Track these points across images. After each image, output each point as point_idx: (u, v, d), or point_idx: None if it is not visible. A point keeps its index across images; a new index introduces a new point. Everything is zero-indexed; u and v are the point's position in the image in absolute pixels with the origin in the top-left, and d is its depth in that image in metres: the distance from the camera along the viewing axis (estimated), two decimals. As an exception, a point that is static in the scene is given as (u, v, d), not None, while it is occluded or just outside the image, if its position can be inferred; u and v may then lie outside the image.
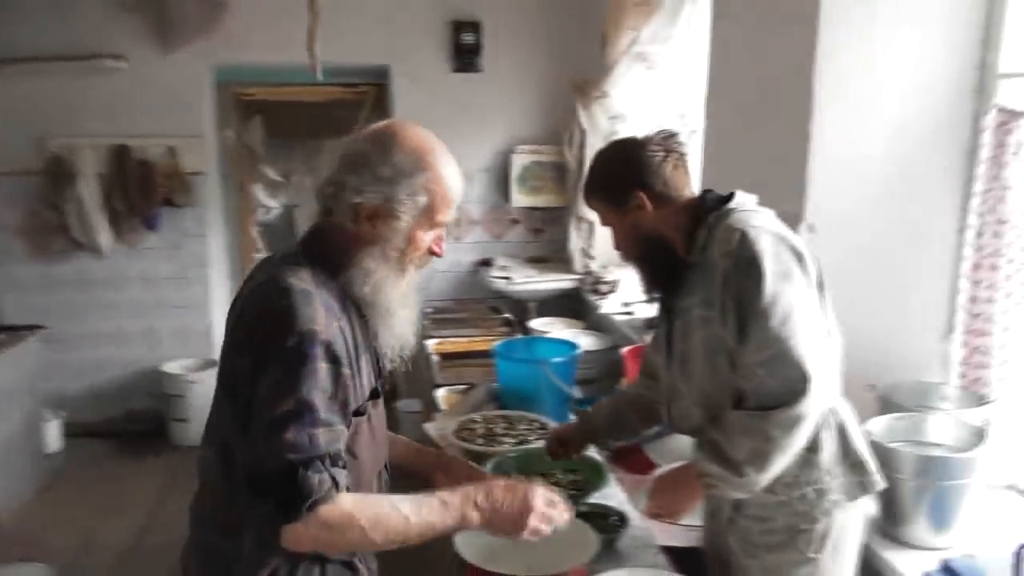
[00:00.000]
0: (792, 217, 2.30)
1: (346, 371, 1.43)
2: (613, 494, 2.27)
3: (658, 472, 1.94)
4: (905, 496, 1.94)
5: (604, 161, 1.87)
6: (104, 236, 4.88)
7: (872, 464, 1.78)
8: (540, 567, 1.75)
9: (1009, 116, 2.10)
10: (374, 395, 1.58)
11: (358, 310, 1.53)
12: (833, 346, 1.71)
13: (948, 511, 1.95)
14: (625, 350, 3.47)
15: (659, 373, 1.97)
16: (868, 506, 1.85)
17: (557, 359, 2.79)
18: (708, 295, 1.68)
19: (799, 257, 1.64)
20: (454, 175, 1.53)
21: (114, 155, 4.86)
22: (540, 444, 2.45)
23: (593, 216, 5.03)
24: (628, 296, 4.41)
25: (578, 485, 2.24)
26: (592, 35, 4.71)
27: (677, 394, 1.83)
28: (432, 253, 1.58)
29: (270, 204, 7.13)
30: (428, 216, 1.51)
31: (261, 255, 6.91)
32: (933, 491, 1.93)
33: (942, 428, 2.10)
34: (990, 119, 2.17)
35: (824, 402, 1.64)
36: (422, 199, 1.48)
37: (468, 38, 5.15)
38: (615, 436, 2.25)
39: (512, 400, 2.81)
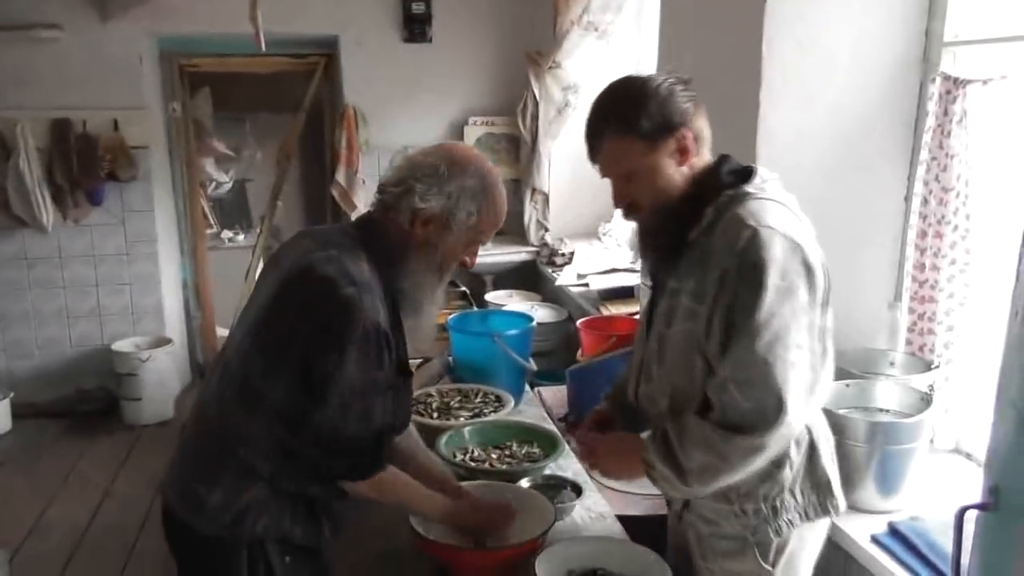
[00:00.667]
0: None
1: (393, 355, 1.65)
2: (568, 465, 2.28)
3: (613, 435, 1.80)
4: (853, 461, 1.98)
5: (636, 88, 1.57)
6: (46, 212, 4.74)
7: (837, 486, 1.67)
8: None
9: (953, 84, 2.12)
10: (403, 371, 1.77)
11: (394, 299, 1.69)
12: (826, 369, 1.53)
13: (895, 475, 1.99)
14: (580, 322, 3.47)
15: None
16: (826, 526, 1.72)
17: (511, 332, 2.78)
18: (701, 288, 1.52)
19: (809, 271, 1.47)
20: (504, 205, 1.76)
21: (54, 128, 4.71)
22: (495, 417, 2.46)
23: (551, 186, 5.15)
24: (583, 268, 4.41)
25: (533, 456, 2.25)
26: (544, 4, 4.67)
27: (648, 375, 1.69)
28: (463, 264, 1.79)
29: (221, 179, 6.99)
30: (474, 234, 1.73)
31: (213, 231, 6.82)
32: (880, 455, 1.97)
33: (889, 394, 2.14)
34: (935, 88, 2.19)
35: (792, 434, 1.52)
36: (475, 219, 1.69)
37: (419, 7, 5.08)
38: None
39: (467, 373, 2.80)
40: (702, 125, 1.58)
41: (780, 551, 1.62)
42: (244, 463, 1.64)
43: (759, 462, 1.50)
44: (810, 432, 1.63)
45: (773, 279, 1.42)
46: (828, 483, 1.65)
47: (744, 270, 1.44)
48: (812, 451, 1.63)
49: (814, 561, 1.71)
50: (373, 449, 1.66)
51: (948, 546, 1.05)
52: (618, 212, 1.70)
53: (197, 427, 1.76)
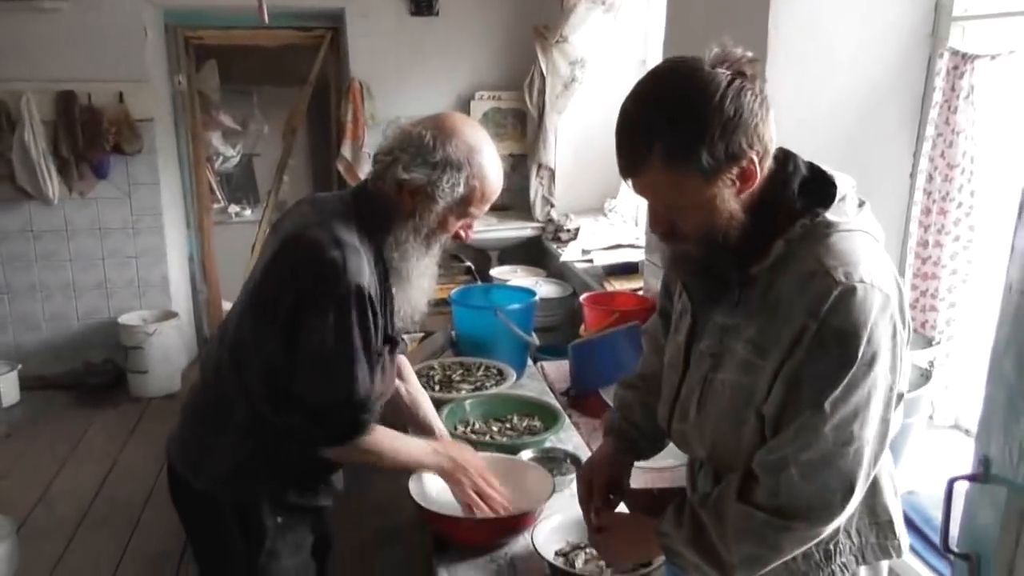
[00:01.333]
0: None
1: (379, 321, 1.64)
2: (569, 438, 2.29)
3: (625, 519, 1.58)
4: (852, 436, 1.98)
5: (697, 103, 1.16)
6: (52, 184, 4.75)
7: (900, 526, 1.42)
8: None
9: (961, 60, 2.10)
10: (391, 342, 1.76)
11: (384, 268, 1.69)
12: (895, 420, 1.28)
13: (893, 450, 1.99)
14: (583, 297, 3.48)
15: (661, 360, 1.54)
16: (884, 568, 1.46)
17: (513, 306, 2.79)
18: (765, 340, 1.24)
19: (895, 329, 1.20)
20: (496, 176, 1.70)
21: (59, 100, 4.71)
22: (496, 390, 2.47)
23: (557, 162, 5.14)
24: (588, 244, 4.41)
25: (534, 429, 2.26)
26: (551, -23, 4.64)
27: (684, 415, 1.42)
28: (458, 237, 1.76)
29: (227, 153, 6.99)
30: (463, 206, 1.68)
31: (220, 205, 6.83)
32: (879, 431, 1.97)
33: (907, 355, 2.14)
34: (943, 63, 2.17)
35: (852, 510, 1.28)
36: (460, 190, 1.65)
37: (426, -20, 5.05)
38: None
39: (469, 347, 2.81)
40: (770, 135, 1.21)
41: None
42: (238, 422, 1.68)
43: (815, 542, 1.28)
44: None
45: (862, 349, 1.16)
46: (890, 522, 1.40)
47: (828, 337, 1.16)
48: (874, 487, 1.37)
49: None
50: (352, 414, 1.66)
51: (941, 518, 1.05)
52: (625, 188, 1.53)
53: (199, 387, 1.83)
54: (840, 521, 1.24)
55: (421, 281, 1.75)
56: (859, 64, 2.32)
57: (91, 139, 4.74)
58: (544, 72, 4.78)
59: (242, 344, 1.67)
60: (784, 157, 1.28)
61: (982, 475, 0.96)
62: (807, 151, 1.25)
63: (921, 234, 2.25)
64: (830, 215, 1.23)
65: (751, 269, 1.24)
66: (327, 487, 1.85)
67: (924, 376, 2.05)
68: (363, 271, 1.58)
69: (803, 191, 1.26)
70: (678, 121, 1.16)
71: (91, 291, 5.10)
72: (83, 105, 4.73)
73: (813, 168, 1.30)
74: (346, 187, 5.34)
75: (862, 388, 1.17)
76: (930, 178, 2.21)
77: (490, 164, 1.69)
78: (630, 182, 1.26)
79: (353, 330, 1.58)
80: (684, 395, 1.42)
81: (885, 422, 1.22)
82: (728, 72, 1.16)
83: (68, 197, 4.89)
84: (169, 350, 4.99)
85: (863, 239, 1.23)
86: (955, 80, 2.12)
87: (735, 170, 1.18)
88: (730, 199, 1.21)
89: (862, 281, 1.16)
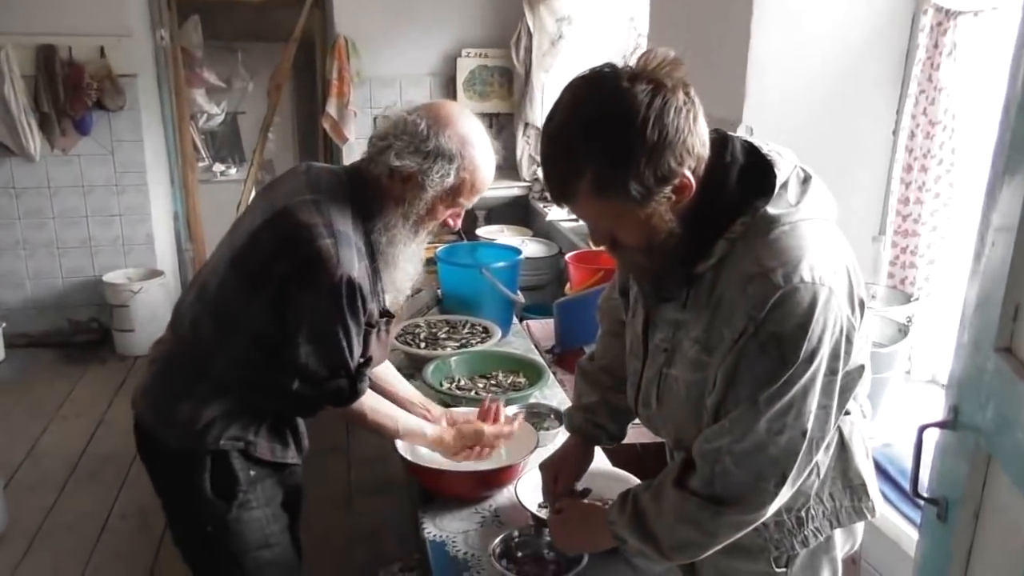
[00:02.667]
0: (731, 123, 2.31)
1: (370, 306, 1.67)
2: (554, 394, 2.32)
3: (579, 506, 1.61)
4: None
5: (618, 129, 1.12)
6: (33, 140, 4.69)
7: (873, 487, 1.44)
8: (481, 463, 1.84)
9: (945, 16, 2.10)
10: (386, 315, 1.80)
11: (372, 250, 1.70)
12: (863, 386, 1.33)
13: (871, 404, 2.03)
14: (569, 256, 3.49)
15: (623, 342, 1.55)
16: (858, 528, 1.49)
17: (498, 264, 2.80)
18: (709, 339, 1.24)
19: (838, 320, 1.18)
20: (487, 169, 1.71)
21: (39, 54, 4.63)
22: (482, 347, 2.49)
23: (544, 121, 5.09)
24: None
25: (519, 386, 2.29)
26: (539, -68, 4.57)
27: (647, 402, 1.43)
28: (445, 225, 1.78)
29: (212, 110, 6.90)
30: (452, 196, 1.70)
31: (204, 164, 6.77)
32: (857, 385, 2.01)
33: (868, 326, 2.16)
34: (927, 19, 2.17)
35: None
36: (450, 180, 1.66)
37: (411, -66, 4.97)
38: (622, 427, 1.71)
39: (455, 305, 2.83)
40: (701, 141, 1.17)
41: (796, 556, 1.41)
42: (215, 377, 1.68)
43: (751, 528, 1.28)
44: (840, 430, 1.39)
45: (801, 351, 1.15)
46: (863, 485, 1.41)
47: (766, 341, 1.16)
48: (843, 451, 1.39)
49: (840, 564, 1.48)
50: (346, 382, 1.70)
51: (913, 467, 1.08)
52: None
53: (170, 341, 1.79)
54: (775, 507, 1.24)
55: (407, 266, 1.76)
56: (844, 21, 2.31)
57: (73, 94, 4.67)
58: (531, 29, 4.74)
59: (226, 305, 1.67)
60: (721, 142, 1.23)
61: (951, 422, 0.99)
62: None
63: (902, 191, 2.27)
64: (771, 208, 1.20)
65: (696, 268, 1.24)
66: (298, 444, 1.86)
67: (902, 332, 2.08)
68: (354, 263, 1.59)
69: (742, 181, 1.22)
70: (601, 154, 1.13)
71: (75, 249, 5.07)
72: (64, 59, 4.66)
73: (750, 152, 1.25)
74: (332, 146, 5.33)
75: (799, 383, 1.17)
76: (912, 135, 2.23)
77: (482, 157, 1.69)
78: (562, 206, 1.25)
79: (344, 316, 1.61)
80: (644, 386, 1.43)
81: (825, 408, 1.21)
82: (647, 88, 1.11)
83: (50, 154, 4.84)
84: (155, 308, 4.97)
85: (807, 229, 1.20)
86: (938, 36, 2.12)
87: (668, 188, 1.15)
88: (667, 212, 1.19)
89: (803, 280, 1.14)
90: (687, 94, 1.13)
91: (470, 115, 1.73)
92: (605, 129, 1.12)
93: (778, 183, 1.21)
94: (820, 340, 1.16)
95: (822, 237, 1.21)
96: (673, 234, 1.21)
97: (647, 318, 1.40)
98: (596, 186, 1.14)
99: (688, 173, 1.15)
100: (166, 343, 1.81)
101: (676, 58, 1.14)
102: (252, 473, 1.75)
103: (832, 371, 1.20)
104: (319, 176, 1.73)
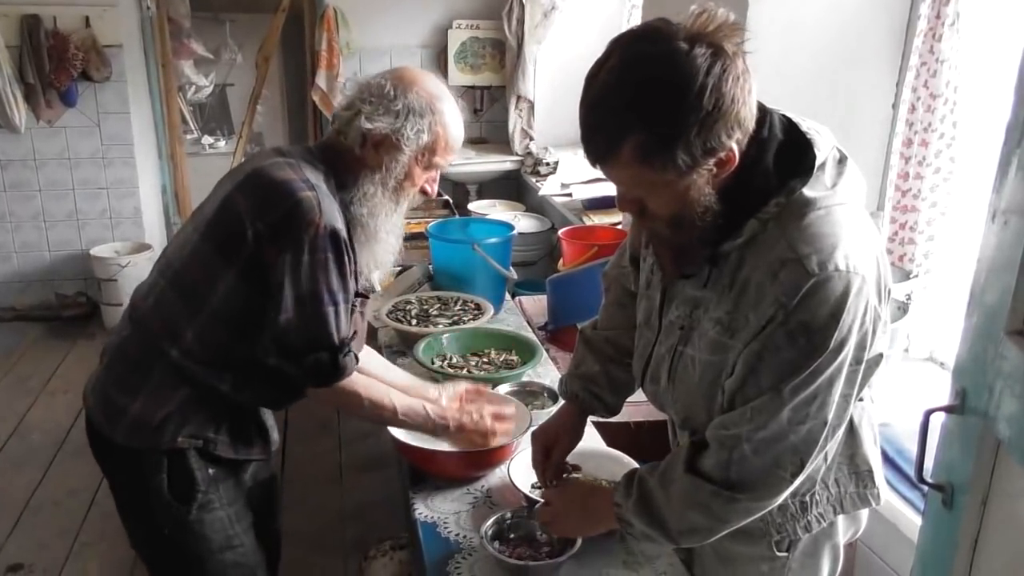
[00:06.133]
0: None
1: (353, 265, 1.61)
2: (547, 372, 2.29)
3: (574, 486, 1.57)
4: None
5: (673, 93, 1.06)
6: (19, 112, 4.61)
7: (880, 475, 1.41)
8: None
9: (949, -13, 2.06)
10: (360, 295, 1.73)
11: (350, 225, 1.64)
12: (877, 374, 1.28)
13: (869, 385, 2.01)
14: (562, 231, 3.45)
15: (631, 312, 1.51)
16: (862, 515, 1.47)
17: (490, 240, 2.76)
18: (734, 322, 1.20)
19: (868, 308, 1.15)
20: (457, 125, 1.68)
21: (24, 24, 4.54)
22: (474, 324, 2.46)
23: (536, 94, 5.04)
24: (567, 177, 4.36)
25: (511, 363, 2.26)
26: (532, -100, 4.49)
27: (656, 378, 1.40)
28: (423, 192, 1.74)
29: (200, 82, 6.81)
30: (427, 155, 1.66)
31: (193, 136, 6.69)
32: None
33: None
34: (930, -10, 2.12)
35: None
36: (425, 137, 1.63)
37: (402, -98, 4.88)
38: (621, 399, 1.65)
39: (446, 281, 2.79)
40: (751, 112, 1.12)
41: (799, 540, 1.39)
42: (172, 365, 1.60)
43: (762, 513, 1.27)
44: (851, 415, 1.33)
45: (831, 342, 1.12)
46: (870, 471, 1.39)
47: (795, 330, 1.12)
48: (852, 437, 1.36)
49: (841, 550, 1.46)
50: (327, 355, 1.59)
51: (915, 450, 1.05)
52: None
53: (126, 329, 1.69)
54: (788, 494, 1.23)
55: (390, 238, 1.71)
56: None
57: (58, 65, 4.58)
58: (523, 0, 4.67)
59: (193, 280, 1.59)
60: (761, 116, 1.16)
61: (958, 407, 0.95)
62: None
63: (902, 166, 2.24)
64: (807, 191, 1.15)
65: (722, 246, 1.19)
66: (264, 439, 1.78)
67: (901, 309, 2.05)
68: (335, 215, 1.54)
69: (779, 159, 1.17)
70: (652, 118, 1.07)
71: (62, 222, 4.99)
72: (48, 29, 4.57)
73: (790, 130, 1.20)
74: (321, 118, 5.26)
75: (825, 373, 1.14)
76: (912, 108, 2.19)
77: (451, 112, 1.67)
78: (597, 167, 1.18)
79: (329, 272, 1.53)
80: (655, 361, 1.39)
81: (846, 397, 1.19)
82: (706, 52, 1.05)
83: (36, 125, 4.75)
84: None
85: (843, 214, 1.16)
86: (940, 7, 2.08)
87: (712, 161, 1.11)
88: (705, 186, 1.14)
89: (837, 269, 1.11)
90: (745, 62, 1.09)
91: (433, 75, 1.72)
92: (659, 93, 1.06)
93: (816, 164, 1.17)
94: (850, 330, 1.13)
95: (856, 224, 1.18)
96: (709, 210, 1.16)
97: (663, 292, 1.36)
98: (641, 152, 1.09)
99: (735, 147, 1.11)
100: (120, 332, 1.71)
101: (736, 22, 1.09)
102: (211, 472, 1.66)
103: (857, 360, 1.17)
104: (289, 151, 1.67)
